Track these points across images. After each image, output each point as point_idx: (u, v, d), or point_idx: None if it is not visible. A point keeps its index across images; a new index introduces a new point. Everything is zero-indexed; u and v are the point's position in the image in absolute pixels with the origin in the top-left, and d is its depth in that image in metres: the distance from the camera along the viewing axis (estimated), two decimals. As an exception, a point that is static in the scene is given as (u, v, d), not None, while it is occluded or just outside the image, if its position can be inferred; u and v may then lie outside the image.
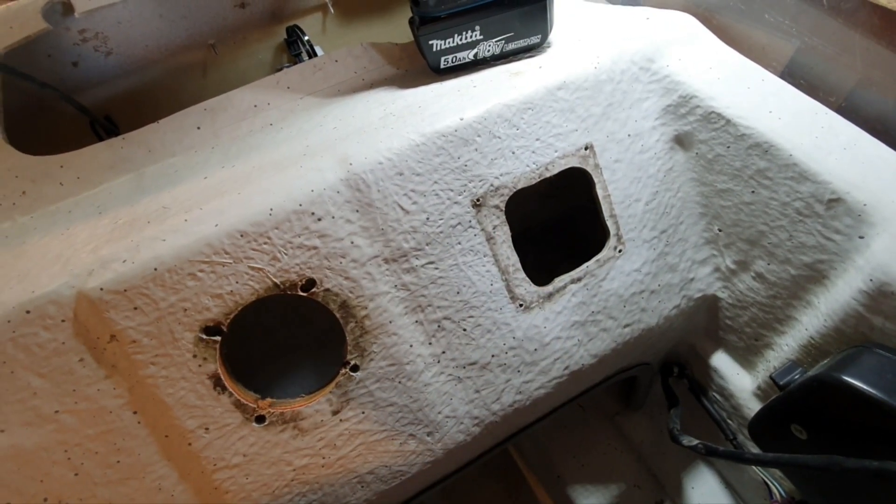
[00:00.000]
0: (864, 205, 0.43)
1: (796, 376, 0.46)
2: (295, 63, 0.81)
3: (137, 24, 0.65)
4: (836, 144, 0.47)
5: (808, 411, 0.44)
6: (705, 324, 0.62)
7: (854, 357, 0.41)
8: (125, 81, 0.72)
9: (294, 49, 0.81)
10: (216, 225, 0.42)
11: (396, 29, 0.88)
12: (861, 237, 0.44)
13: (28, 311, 0.39)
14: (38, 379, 0.40)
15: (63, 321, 0.40)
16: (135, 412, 0.43)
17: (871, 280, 0.42)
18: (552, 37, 0.56)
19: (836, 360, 0.42)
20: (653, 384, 0.73)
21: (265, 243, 0.43)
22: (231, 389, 0.44)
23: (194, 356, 0.43)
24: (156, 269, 0.41)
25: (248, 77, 0.83)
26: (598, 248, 0.55)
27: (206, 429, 0.44)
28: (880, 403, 0.37)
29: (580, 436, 0.84)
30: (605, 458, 0.80)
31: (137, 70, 0.71)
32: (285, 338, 0.59)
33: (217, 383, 0.43)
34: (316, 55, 0.77)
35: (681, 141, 0.55)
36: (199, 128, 0.57)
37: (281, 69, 0.83)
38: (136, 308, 0.41)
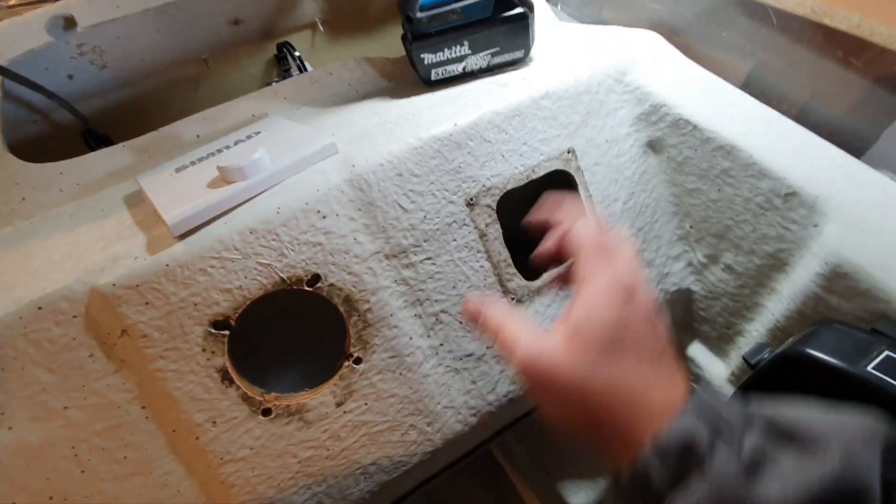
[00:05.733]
0: (816, 197, 0.48)
1: (765, 355, 0.50)
2: (284, 78, 0.84)
3: (135, 39, 0.67)
4: (789, 146, 0.52)
5: (777, 386, 0.48)
6: (681, 316, 0.67)
7: (815, 333, 0.46)
8: (118, 94, 0.73)
9: (284, 64, 0.83)
10: (226, 223, 0.44)
11: (381, 46, 0.92)
12: (815, 225, 0.49)
13: (40, 308, 0.40)
14: (47, 374, 0.41)
15: (74, 317, 0.41)
16: (143, 407, 0.43)
17: (825, 263, 0.47)
18: (533, 52, 0.61)
19: (799, 336, 0.47)
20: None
21: (273, 240, 0.45)
22: (238, 383, 0.45)
23: (203, 350, 0.44)
24: (167, 266, 0.42)
25: (239, 91, 0.85)
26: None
27: (214, 422, 0.45)
28: (839, 370, 0.42)
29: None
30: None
31: (131, 83, 0.73)
32: (277, 335, 0.60)
33: (225, 376, 0.45)
34: (306, 70, 0.81)
35: (653, 146, 0.60)
36: (198, 135, 0.59)
37: (271, 83, 0.86)
38: (147, 303, 0.42)
